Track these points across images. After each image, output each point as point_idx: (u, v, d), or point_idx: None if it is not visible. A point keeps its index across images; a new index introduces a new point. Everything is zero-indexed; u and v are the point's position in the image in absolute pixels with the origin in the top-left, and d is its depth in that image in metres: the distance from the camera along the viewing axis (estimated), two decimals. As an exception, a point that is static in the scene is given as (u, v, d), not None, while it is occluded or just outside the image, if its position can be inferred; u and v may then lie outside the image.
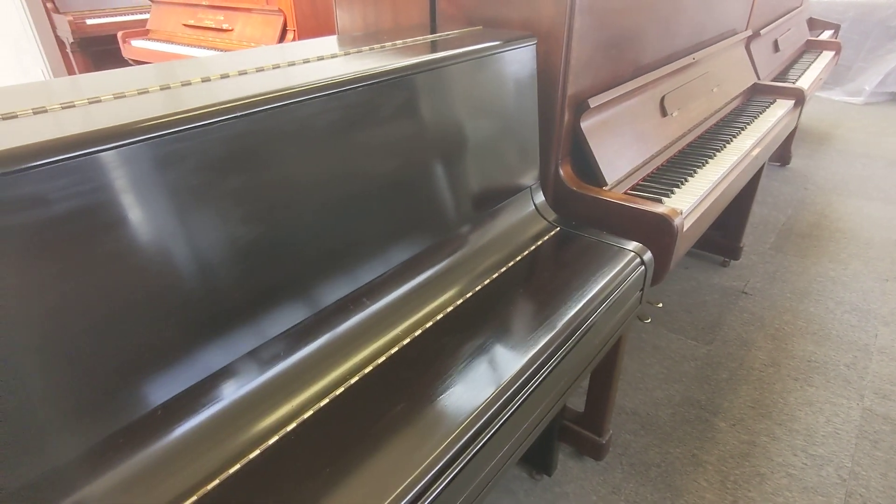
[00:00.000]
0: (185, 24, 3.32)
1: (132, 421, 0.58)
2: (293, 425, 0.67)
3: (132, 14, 4.14)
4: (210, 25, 3.20)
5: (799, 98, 1.97)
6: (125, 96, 0.65)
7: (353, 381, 0.74)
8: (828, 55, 2.89)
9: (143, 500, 0.56)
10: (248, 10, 3.05)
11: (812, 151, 3.64)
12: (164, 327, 0.60)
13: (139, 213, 0.56)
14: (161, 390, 0.60)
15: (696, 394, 1.73)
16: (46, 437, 0.52)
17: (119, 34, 3.43)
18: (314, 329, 0.75)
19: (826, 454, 1.52)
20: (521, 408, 0.76)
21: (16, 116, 0.57)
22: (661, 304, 2.11)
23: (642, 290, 1.07)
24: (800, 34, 2.89)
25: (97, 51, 4.09)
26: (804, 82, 2.27)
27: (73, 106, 0.61)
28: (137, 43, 3.42)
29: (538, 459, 1.46)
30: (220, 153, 0.62)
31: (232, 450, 0.63)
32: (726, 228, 2.34)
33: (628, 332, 1.81)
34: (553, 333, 0.84)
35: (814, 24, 3.67)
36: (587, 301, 0.91)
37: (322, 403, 0.70)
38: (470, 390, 0.72)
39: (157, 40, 3.37)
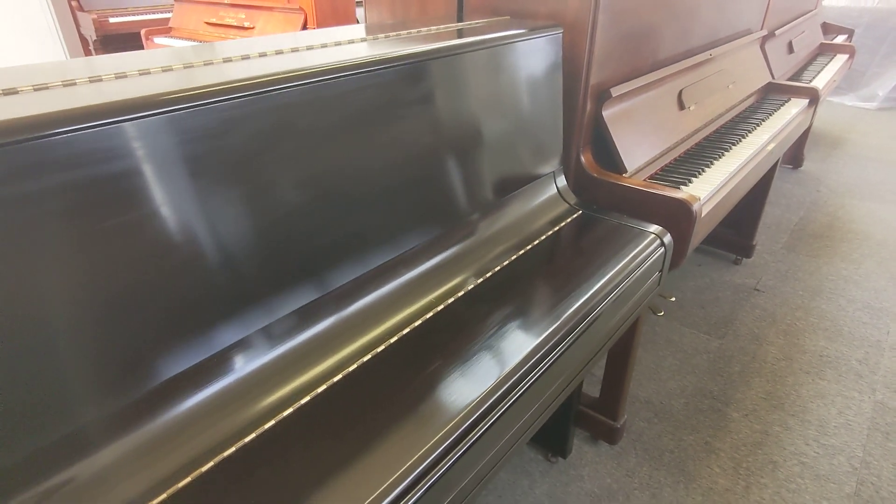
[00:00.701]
0: (206, 22, 3.39)
1: (163, 381, 0.62)
2: (315, 393, 0.71)
3: (154, 13, 4.22)
4: (232, 23, 3.26)
5: (813, 97, 2.00)
6: (150, 73, 0.68)
7: (379, 349, 0.77)
8: (842, 58, 2.92)
9: (165, 462, 0.59)
10: (270, 8, 3.11)
11: (825, 155, 3.65)
12: (204, 290, 0.65)
13: (163, 184, 0.58)
14: (184, 359, 0.63)
15: (709, 385, 1.75)
16: (71, 398, 0.55)
17: (142, 31, 3.51)
18: (337, 302, 0.79)
19: (838, 444, 1.55)
20: (544, 375, 0.80)
21: (47, 87, 0.60)
22: (674, 298, 2.14)
23: (661, 271, 1.10)
24: (814, 37, 2.92)
25: (119, 48, 4.17)
26: (818, 83, 2.29)
27: (101, 80, 0.64)
28: (160, 40, 3.50)
29: (554, 443, 1.49)
30: (244, 130, 0.65)
31: (263, 409, 0.67)
32: (739, 227, 2.37)
33: (645, 318, 1.84)
34: (577, 306, 0.87)
35: (828, 29, 3.69)
36: (610, 277, 0.95)
37: (348, 369, 0.74)
38: (494, 359, 0.76)
39: (180, 37, 3.44)
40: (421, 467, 0.61)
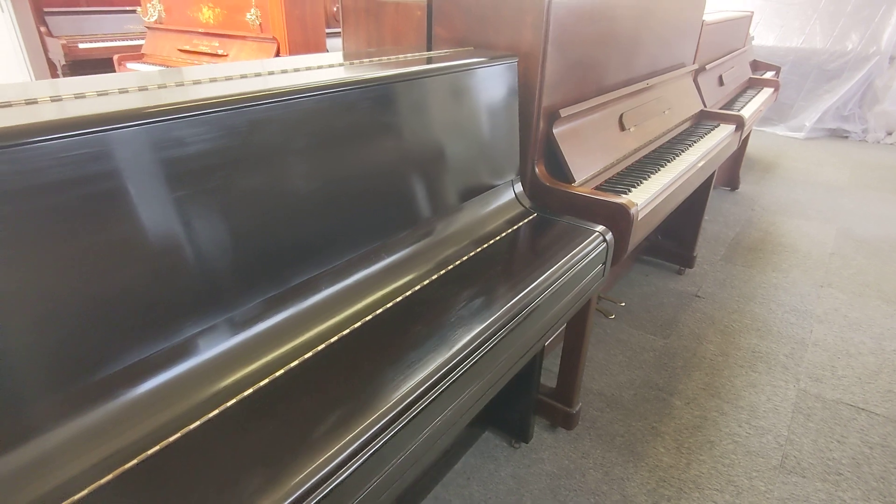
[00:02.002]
0: (180, 49, 3.50)
1: (172, 343, 0.74)
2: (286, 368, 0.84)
3: (125, 40, 4.31)
4: (205, 51, 3.38)
5: (739, 123, 2.26)
6: (128, 91, 0.79)
7: (357, 325, 0.91)
8: (768, 91, 3.25)
9: (180, 403, 0.71)
10: (244, 37, 3.24)
11: (759, 179, 3.99)
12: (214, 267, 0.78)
13: (142, 186, 0.67)
14: (191, 326, 0.75)
15: (655, 378, 1.94)
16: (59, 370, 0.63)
17: (115, 57, 3.59)
18: (317, 285, 0.92)
19: (766, 426, 1.74)
20: (502, 341, 0.95)
21: (36, 102, 0.70)
22: (623, 303, 2.33)
23: (604, 263, 1.28)
24: (743, 72, 3.24)
25: (88, 73, 4.23)
26: (746, 112, 2.57)
27: (61, 99, 0.71)
28: (133, 65, 3.59)
29: (517, 430, 1.64)
30: (221, 140, 0.76)
31: (271, 361, 0.80)
32: (681, 240, 2.60)
33: (597, 321, 2.01)
34: (532, 286, 1.04)
35: (757, 66, 4.07)
36: (560, 265, 1.11)
37: (320, 347, 0.85)
38: (460, 327, 0.91)
39: (153, 63, 3.53)
40: (371, 431, 0.71)
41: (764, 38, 5.23)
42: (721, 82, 2.73)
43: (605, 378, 1.93)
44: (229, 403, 0.72)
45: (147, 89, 0.78)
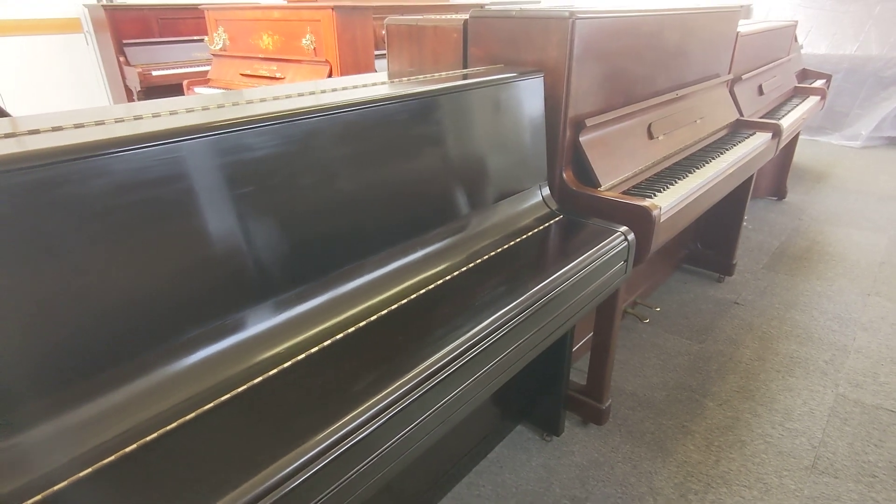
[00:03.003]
0: (242, 74, 3.78)
1: (240, 313, 0.89)
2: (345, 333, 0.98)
3: (193, 66, 4.67)
4: (264, 74, 3.64)
5: (776, 131, 2.28)
6: (203, 108, 0.98)
7: (394, 307, 1.04)
8: (814, 99, 3.22)
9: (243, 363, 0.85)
10: (299, 61, 3.48)
11: (809, 188, 3.92)
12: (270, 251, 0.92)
13: (208, 188, 0.81)
14: (253, 302, 0.91)
15: (688, 381, 1.97)
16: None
17: (184, 82, 3.92)
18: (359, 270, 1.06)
19: (800, 428, 1.76)
20: (528, 320, 1.06)
21: (122, 121, 0.90)
22: (658, 308, 2.38)
23: (626, 261, 1.36)
24: (787, 81, 3.23)
25: (160, 97, 4.61)
26: (786, 121, 2.58)
27: (141, 118, 0.90)
28: (200, 89, 3.90)
29: (548, 424, 1.72)
30: (279, 148, 0.92)
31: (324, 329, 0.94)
32: (720, 248, 2.62)
33: (631, 326, 2.07)
34: (554, 276, 1.14)
35: (807, 75, 4.02)
36: (583, 258, 1.21)
37: (359, 325, 0.99)
38: (488, 308, 1.02)
39: (217, 87, 3.83)
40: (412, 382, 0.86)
41: (815, 46, 5.13)
42: (761, 91, 2.75)
43: (637, 380, 1.98)
44: (286, 365, 0.86)
45: (221, 107, 0.95)
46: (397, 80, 1.28)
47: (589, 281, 1.23)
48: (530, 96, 1.38)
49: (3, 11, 4.29)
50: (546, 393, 1.67)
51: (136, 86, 4.55)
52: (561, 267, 1.17)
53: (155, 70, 4.58)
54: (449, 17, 1.64)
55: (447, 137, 1.20)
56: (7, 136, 0.73)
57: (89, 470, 0.66)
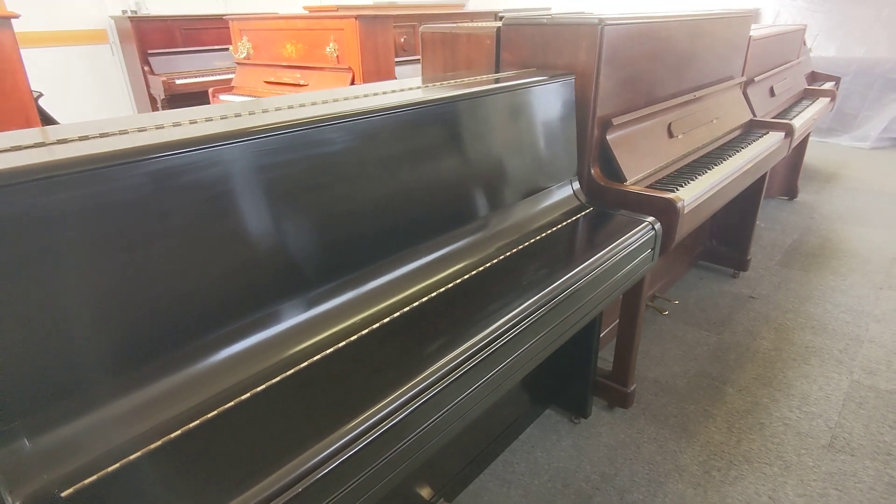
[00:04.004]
0: (266, 81, 3.90)
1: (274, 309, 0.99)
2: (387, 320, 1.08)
3: (216, 75, 4.82)
4: (288, 81, 3.76)
5: (788, 130, 2.37)
6: (228, 117, 1.08)
7: (441, 290, 1.14)
8: (824, 101, 3.31)
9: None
10: (322, 68, 3.59)
11: (819, 188, 4.00)
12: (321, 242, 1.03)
13: (239, 190, 0.88)
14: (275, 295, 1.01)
15: (708, 369, 2.06)
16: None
17: (210, 90, 4.05)
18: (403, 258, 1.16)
19: (817, 411, 1.84)
20: (569, 299, 1.16)
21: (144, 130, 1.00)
22: (677, 301, 2.46)
23: (653, 249, 1.46)
24: (797, 83, 3.32)
25: (184, 105, 4.75)
26: (797, 121, 2.67)
27: (180, 124, 1.04)
28: (224, 97, 4.03)
29: (577, 407, 1.81)
30: (320, 154, 1.03)
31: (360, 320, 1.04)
32: (734, 244, 2.71)
33: (652, 318, 2.16)
34: (590, 261, 1.24)
35: (816, 77, 4.10)
36: (614, 245, 1.31)
37: (413, 305, 1.10)
38: (533, 287, 1.11)
39: (242, 94, 3.96)
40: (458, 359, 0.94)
41: (824, 49, 5.21)
42: (772, 93, 2.84)
43: (660, 368, 2.07)
44: (363, 332, 0.97)
45: (266, 111, 1.06)
46: (435, 84, 1.39)
47: (620, 266, 1.33)
48: (562, 97, 1.48)
49: (33, 23, 4.44)
50: (574, 378, 1.77)
51: (160, 94, 4.69)
52: (596, 252, 1.27)
53: (178, 79, 4.71)
54: (482, 24, 1.74)
55: (487, 136, 1.30)
56: (69, 140, 0.79)
57: (159, 442, 0.73)
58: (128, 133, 0.84)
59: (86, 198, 0.70)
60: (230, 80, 4.23)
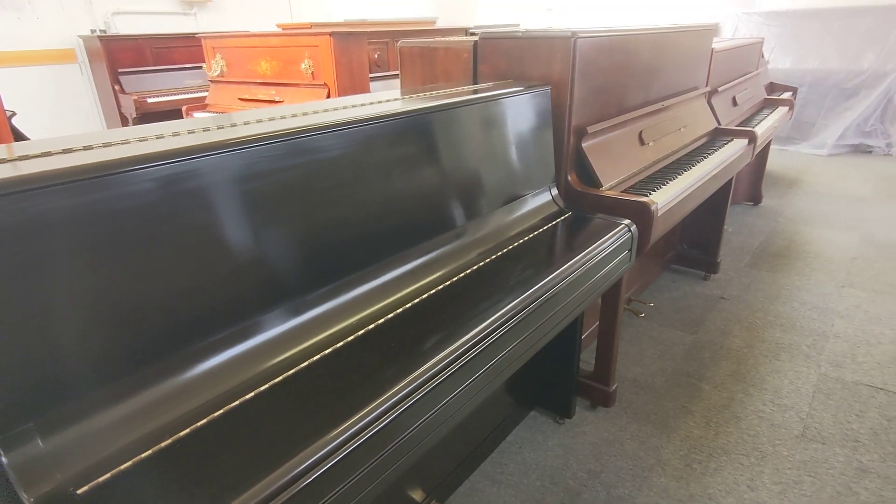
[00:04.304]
0: (240, 98, 3.91)
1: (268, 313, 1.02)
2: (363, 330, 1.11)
3: (189, 93, 4.80)
4: (263, 98, 3.77)
5: (751, 137, 2.49)
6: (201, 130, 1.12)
7: (425, 295, 1.17)
8: (783, 109, 3.47)
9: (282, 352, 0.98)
10: (297, 84, 3.62)
11: (782, 193, 4.16)
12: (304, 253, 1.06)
13: (217, 202, 0.92)
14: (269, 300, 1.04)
15: (685, 367, 2.13)
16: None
17: (184, 108, 4.04)
18: (382, 269, 1.19)
19: (789, 403, 1.92)
20: (555, 297, 1.21)
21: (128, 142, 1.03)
22: (652, 304, 2.54)
23: (630, 250, 1.52)
24: (757, 93, 3.47)
25: (155, 124, 4.71)
26: (759, 129, 2.80)
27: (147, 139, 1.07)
28: (199, 114, 4.02)
29: (561, 408, 1.85)
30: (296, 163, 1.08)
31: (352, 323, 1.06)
32: (705, 248, 2.81)
33: (629, 321, 2.22)
34: (571, 261, 1.29)
35: (775, 87, 4.29)
36: (594, 246, 1.37)
37: (391, 315, 1.13)
38: (520, 287, 1.16)
39: (216, 111, 3.96)
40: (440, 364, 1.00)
41: (781, 61, 5.46)
42: (735, 103, 2.97)
43: (638, 368, 2.13)
44: (350, 339, 0.99)
45: (247, 123, 1.09)
46: (415, 95, 1.44)
47: (600, 267, 1.38)
48: (539, 107, 1.55)
49: (1, 43, 4.38)
50: (558, 379, 1.81)
51: (131, 113, 4.65)
52: (577, 254, 1.33)
53: (150, 97, 4.69)
54: (459, 38, 1.81)
55: (467, 145, 1.35)
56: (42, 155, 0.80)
57: (149, 452, 0.74)
58: (93, 148, 0.84)
59: (63, 210, 0.71)
60: (204, 97, 4.22)
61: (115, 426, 0.74)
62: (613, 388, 1.86)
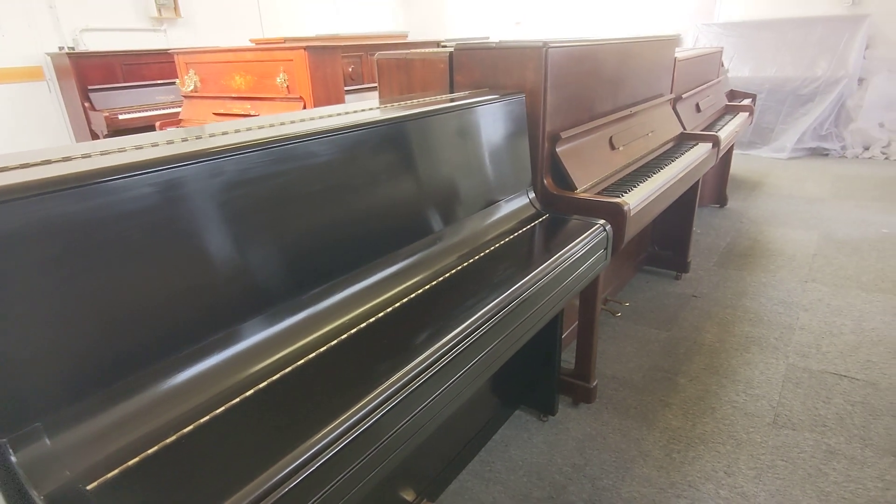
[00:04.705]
0: (215, 113, 3.91)
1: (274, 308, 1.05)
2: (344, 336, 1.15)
3: (159, 109, 4.78)
4: (238, 112, 3.78)
5: (715, 141, 2.60)
6: (173, 142, 1.16)
7: (405, 299, 1.21)
8: (743, 115, 3.62)
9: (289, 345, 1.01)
10: (272, 98, 3.64)
11: (746, 196, 4.32)
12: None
13: (196, 210, 1.02)
14: (266, 300, 1.07)
15: (661, 363, 2.21)
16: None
17: (157, 123, 4.01)
18: (364, 273, 1.23)
19: (760, 393, 2.00)
20: (539, 292, 1.26)
21: (89, 156, 1.07)
22: (628, 304, 2.62)
23: (606, 248, 1.59)
24: (719, 100, 3.63)
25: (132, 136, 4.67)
26: (723, 133, 2.93)
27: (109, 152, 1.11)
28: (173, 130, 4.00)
29: (544, 406, 1.90)
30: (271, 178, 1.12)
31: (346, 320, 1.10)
32: (675, 248, 2.91)
33: (606, 320, 2.29)
34: (551, 259, 1.35)
35: (735, 95, 4.48)
36: (572, 244, 1.43)
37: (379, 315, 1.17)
38: (504, 283, 1.21)
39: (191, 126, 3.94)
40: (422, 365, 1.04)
41: (739, 70, 5.68)
42: (698, 109, 3.10)
43: (617, 365, 2.20)
44: (332, 343, 1.02)
45: (225, 133, 1.12)
46: (392, 104, 1.49)
47: (578, 265, 1.44)
48: (514, 114, 1.61)
49: (-37, 62, 4.30)
50: (541, 378, 1.86)
51: (102, 130, 4.61)
52: (555, 254, 1.39)
53: (121, 114, 4.65)
54: (435, 50, 1.87)
55: (444, 152, 1.40)
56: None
57: (155, 448, 0.75)
58: (52, 162, 0.84)
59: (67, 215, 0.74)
60: (177, 113, 4.20)
61: (119, 425, 0.76)
62: (594, 384, 1.92)
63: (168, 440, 0.77)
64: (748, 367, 2.15)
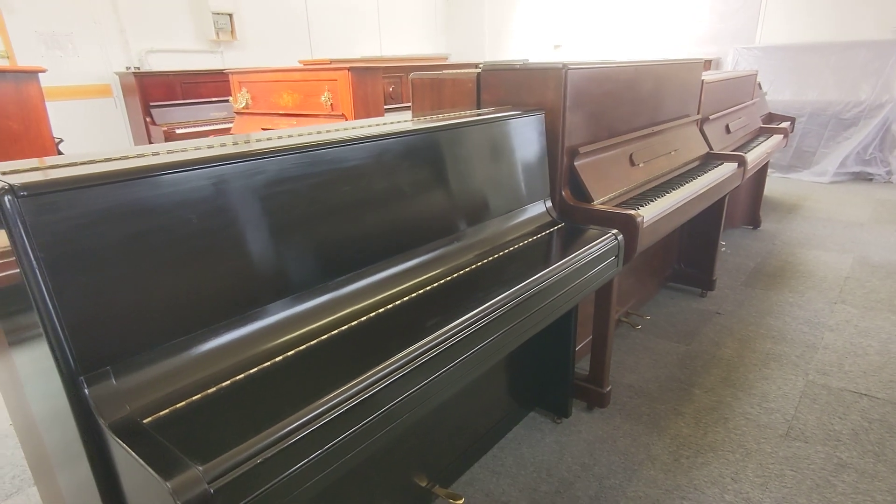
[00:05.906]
0: (263, 128, 4.17)
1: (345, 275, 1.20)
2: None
3: (213, 125, 5.09)
4: (285, 128, 4.02)
5: (741, 161, 2.65)
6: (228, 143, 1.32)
7: (431, 287, 1.34)
8: (777, 137, 3.64)
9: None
10: (317, 115, 3.86)
11: (781, 218, 4.30)
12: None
13: (241, 204, 1.20)
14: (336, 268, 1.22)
15: (678, 374, 2.26)
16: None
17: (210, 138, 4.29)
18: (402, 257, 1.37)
19: (775, 407, 2.03)
20: (545, 290, 1.37)
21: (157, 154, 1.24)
22: (649, 317, 2.67)
23: (617, 255, 1.68)
24: (752, 122, 3.65)
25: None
26: (751, 155, 2.97)
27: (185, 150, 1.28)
28: (225, 143, 4.28)
29: (558, 408, 1.99)
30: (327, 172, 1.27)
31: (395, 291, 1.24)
32: (701, 266, 2.95)
33: (625, 333, 2.36)
34: (561, 261, 1.46)
35: (773, 118, 4.48)
36: (582, 249, 1.53)
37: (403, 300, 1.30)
38: (512, 281, 1.32)
39: (242, 141, 4.21)
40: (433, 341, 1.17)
41: (781, 93, 5.65)
42: (728, 130, 3.15)
43: (633, 375, 2.26)
44: (363, 319, 1.16)
45: (281, 137, 1.28)
46: (424, 118, 1.63)
47: (589, 268, 1.54)
48: (534, 129, 1.74)
49: (47, 79, 4.71)
50: (555, 382, 1.95)
51: (161, 143, 4.95)
52: (567, 255, 1.49)
53: (178, 128, 4.98)
54: (464, 71, 2.01)
55: (469, 162, 1.53)
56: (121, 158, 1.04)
57: (198, 396, 0.92)
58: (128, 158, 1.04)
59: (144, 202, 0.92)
60: (228, 128, 4.50)
61: (171, 374, 0.91)
62: (607, 389, 1.99)
63: (209, 391, 0.91)
64: (765, 382, 2.18)
